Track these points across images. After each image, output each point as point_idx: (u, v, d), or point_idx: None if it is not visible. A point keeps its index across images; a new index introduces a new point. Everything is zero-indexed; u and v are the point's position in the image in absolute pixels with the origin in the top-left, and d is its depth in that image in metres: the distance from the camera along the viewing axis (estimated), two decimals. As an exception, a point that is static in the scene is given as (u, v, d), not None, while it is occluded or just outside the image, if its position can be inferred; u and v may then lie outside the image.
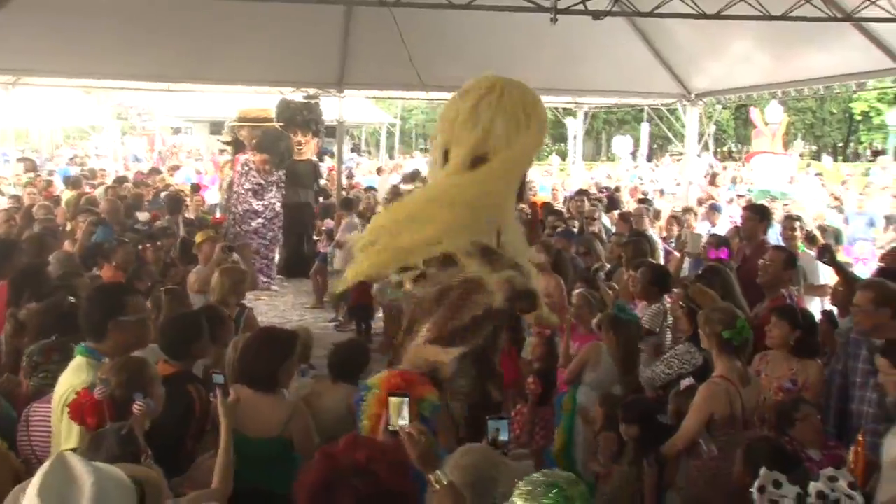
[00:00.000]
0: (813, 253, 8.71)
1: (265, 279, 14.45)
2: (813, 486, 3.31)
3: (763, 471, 3.46)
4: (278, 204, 15.30)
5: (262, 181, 15.08)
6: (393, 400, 3.25)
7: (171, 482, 3.71)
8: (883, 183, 20.77)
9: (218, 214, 16.09)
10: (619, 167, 30.00)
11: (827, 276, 8.21)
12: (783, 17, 7.68)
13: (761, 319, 6.31)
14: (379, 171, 25.66)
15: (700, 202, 16.74)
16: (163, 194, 15.32)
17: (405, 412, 3.09)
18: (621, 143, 31.00)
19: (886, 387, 4.71)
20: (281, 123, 15.63)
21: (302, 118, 16.25)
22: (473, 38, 13.19)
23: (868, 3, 7.84)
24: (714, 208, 14.26)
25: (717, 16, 7.63)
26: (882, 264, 7.90)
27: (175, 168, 22.85)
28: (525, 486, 2.69)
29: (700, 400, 5.11)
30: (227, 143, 16.92)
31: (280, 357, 4.68)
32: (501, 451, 3.56)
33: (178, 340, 4.89)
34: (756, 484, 3.41)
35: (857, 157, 52.32)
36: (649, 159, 36.46)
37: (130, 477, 2.81)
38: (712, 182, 21.03)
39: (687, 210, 14.05)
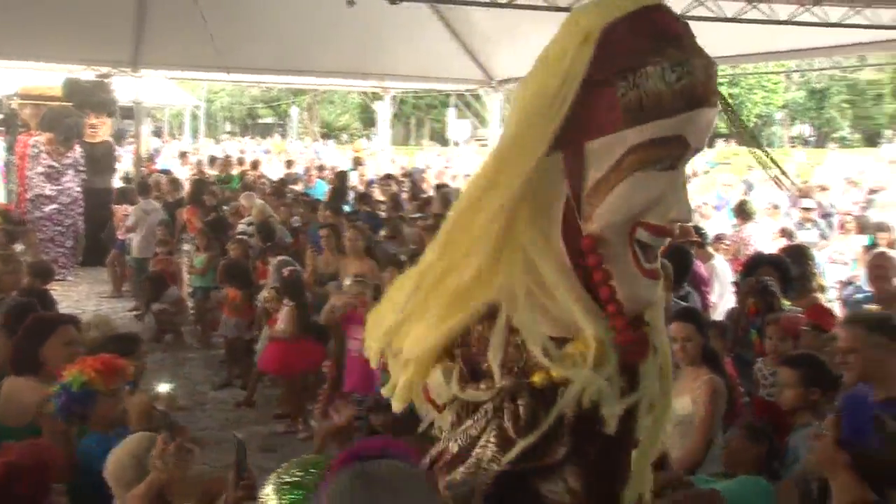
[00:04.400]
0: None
1: (62, 269, 13.66)
2: None
3: None
4: (76, 188, 14.55)
5: (56, 164, 14.31)
6: None
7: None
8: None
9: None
10: (453, 151, 29.96)
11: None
12: (568, 9, 7.93)
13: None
14: (183, 155, 24.72)
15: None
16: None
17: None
18: (459, 127, 30.33)
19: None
20: (71, 103, 14.85)
21: (97, 99, 15.47)
22: (277, 20, 12.99)
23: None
24: None
25: (510, 4, 7.83)
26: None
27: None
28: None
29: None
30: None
31: (40, 339, 4.45)
32: None
33: None
34: None
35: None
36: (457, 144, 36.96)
37: None
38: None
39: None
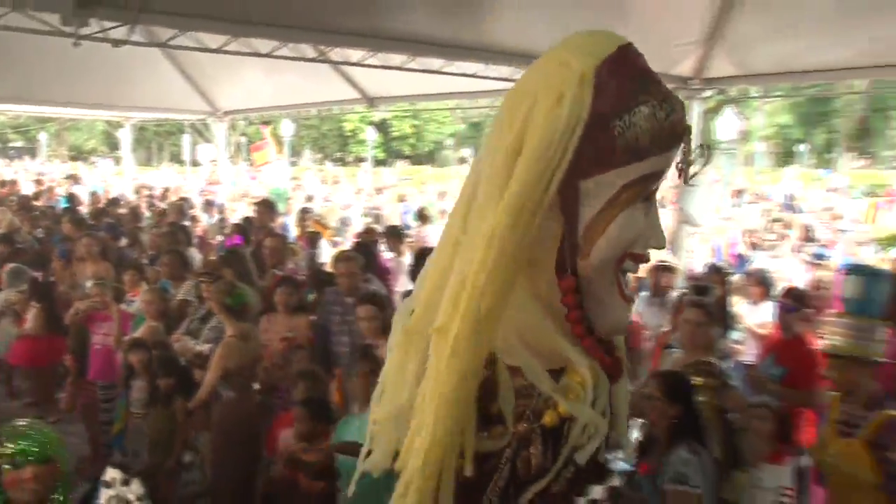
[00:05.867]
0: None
1: None
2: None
3: None
4: None
5: None
6: None
7: None
8: (365, 184, 22.46)
9: None
10: (198, 171, 28.51)
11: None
12: (219, 51, 7.69)
13: (269, 288, 6.48)
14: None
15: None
16: None
17: None
18: (203, 151, 28.61)
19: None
20: None
21: None
22: (20, 55, 11.71)
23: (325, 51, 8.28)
24: (209, 203, 14.36)
25: (218, 50, 7.60)
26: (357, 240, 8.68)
27: None
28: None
29: (218, 357, 5.14)
30: None
31: None
32: None
33: None
34: None
35: (348, 163, 55.86)
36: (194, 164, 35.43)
37: None
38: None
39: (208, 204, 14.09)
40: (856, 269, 4.15)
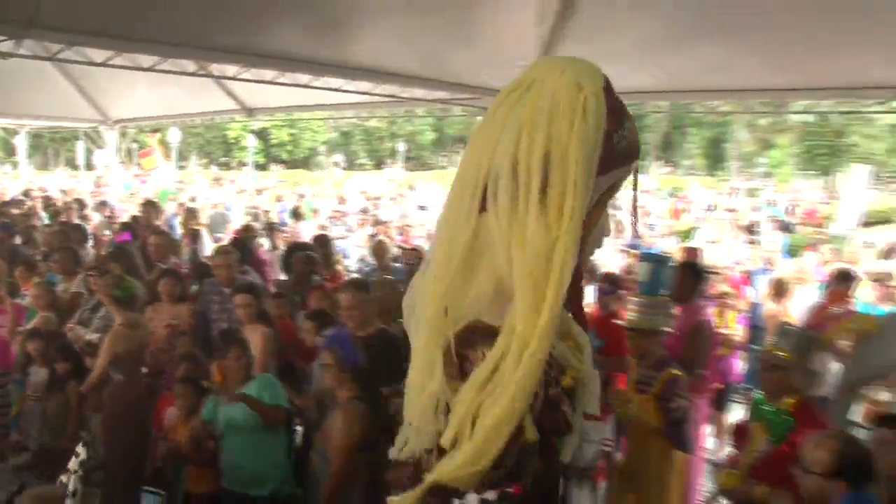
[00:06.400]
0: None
1: None
2: None
3: None
4: None
5: None
6: None
7: None
8: (247, 185, 21.88)
9: None
10: (92, 175, 26.52)
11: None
12: (104, 65, 7.31)
13: (154, 280, 6.21)
14: None
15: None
16: None
17: None
18: (99, 156, 26.46)
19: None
20: None
21: None
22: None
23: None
24: (103, 204, 13.60)
25: (103, 64, 7.22)
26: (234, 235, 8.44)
27: None
28: None
29: (107, 344, 4.93)
30: None
31: None
32: None
33: None
34: None
35: (232, 167, 53.71)
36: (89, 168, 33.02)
37: None
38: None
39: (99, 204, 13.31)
40: (646, 257, 4.49)
